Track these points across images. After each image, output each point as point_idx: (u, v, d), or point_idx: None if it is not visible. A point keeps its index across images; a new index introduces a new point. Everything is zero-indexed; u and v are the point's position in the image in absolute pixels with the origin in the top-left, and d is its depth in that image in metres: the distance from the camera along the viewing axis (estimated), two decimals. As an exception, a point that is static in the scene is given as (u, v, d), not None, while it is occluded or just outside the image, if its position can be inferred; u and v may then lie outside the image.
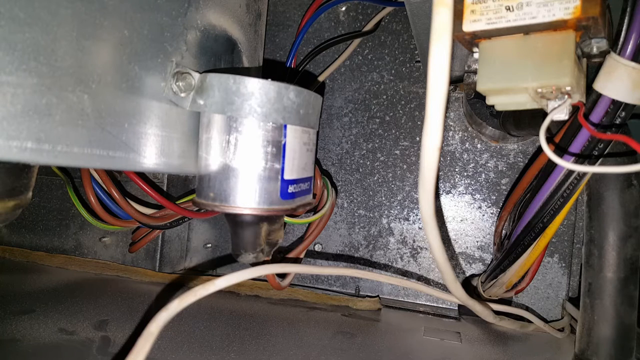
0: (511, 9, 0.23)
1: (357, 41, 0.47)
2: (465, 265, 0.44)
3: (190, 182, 0.48)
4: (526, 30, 0.24)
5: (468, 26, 0.24)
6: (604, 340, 0.27)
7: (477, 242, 0.44)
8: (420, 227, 0.45)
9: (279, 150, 0.26)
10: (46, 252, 0.49)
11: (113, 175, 0.41)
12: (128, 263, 0.46)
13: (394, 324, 0.40)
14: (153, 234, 0.43)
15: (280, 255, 0.43)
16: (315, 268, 0.33)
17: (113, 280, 0.45)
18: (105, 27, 0.22)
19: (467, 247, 0.44)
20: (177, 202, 0.37)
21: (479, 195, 0.44)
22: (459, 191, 0.44)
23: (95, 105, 0.21)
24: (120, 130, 0.23)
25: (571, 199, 0.28)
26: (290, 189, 0.27)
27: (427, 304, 0.44)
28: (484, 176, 0.44)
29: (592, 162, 0.26)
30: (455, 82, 0.42)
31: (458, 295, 0.29)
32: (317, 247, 0.48)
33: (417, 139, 0.46)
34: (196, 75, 0.25)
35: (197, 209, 0.37)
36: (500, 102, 0.26)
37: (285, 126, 0.26)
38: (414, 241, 0.45)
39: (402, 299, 0.45)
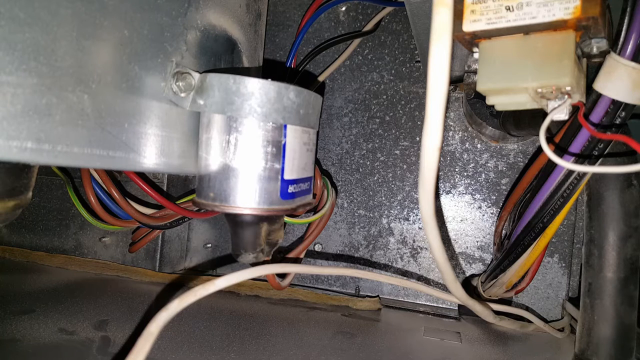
0: (511, 9, 0.23)
1: (357, 41, 0.47)
2: (465, 265, 0.44)
3: (190, 182, 0.48)
4: (526, 30, 0.24)
5: (468, 26, 0.24)
6: (604, 340, 0.27)
7: (477, 242, 0.44)
8: (420, 227, 0.45)
9: (279, 150, 0.26)
10: (46, 252, 0.49)
11: (113, 175, 0.41)
12: (128, 263, 0.46)
13: (394, 324, 0.40)
14: (153, 234, 0.43)
15: (280, 255, 0.43)
16: (315, 268, 0.33)
17: (113, 280, 0.45)
18: (105, 27, 0.22)
19: (467, 247, 0.44)
20: (177, 202, 0.37)
21: (479, 195, 0.44)
22: (459, 191, 0.44)
23: (95, 105, 0.21)
24: (120, 130, 0.23)
25: (571, 199, 0.28)
26: (290, 189, 0.27)
27: (427, 304, 0.44)
28: (484, 176, 0.44)
29: (592, 162, 0.26)
30: (455, 82, 0.42)
31: (458, 295, 0.29)
32: (317, 247, 0.48)
33: (417, 139, 0.46)
34: (196, 75, 0.25)
35: (197, 209, 0.37)
36: (500, 102, 0.26)
37: (285, 126, 0.26)
38: (414, 241, 0.45)
39: (402, 299, 0.45)
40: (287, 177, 0.26)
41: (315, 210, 0.42)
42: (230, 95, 0.24)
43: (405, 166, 0.46)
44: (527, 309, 0.41)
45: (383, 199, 0.46)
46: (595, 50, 0.24)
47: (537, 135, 0.23)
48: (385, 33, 0.47)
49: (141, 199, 0.43)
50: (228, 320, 0.37)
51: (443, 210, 0.44)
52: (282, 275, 0.40)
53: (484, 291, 0.38)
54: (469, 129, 0.44)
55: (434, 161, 0.20)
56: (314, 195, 0.39)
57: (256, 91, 0.24)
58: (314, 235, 0.42)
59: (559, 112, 0.24)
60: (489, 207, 0.44)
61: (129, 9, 0.23)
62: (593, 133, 0.25)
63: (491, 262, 0.43)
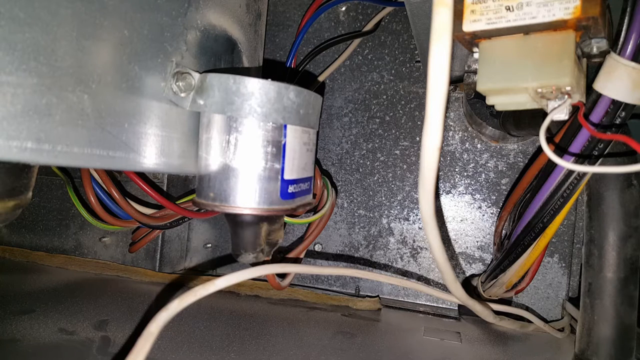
0: (511, 9, 0.23)
1: (357, 41, 0.47)
2: (465, 265, 0.44)
3: (190, 182, 0.48)
4: (526, 30, 0.24)
5: (468, 26, 0.24)
6: (604, 340, 0.27)
7: (477, 242, 0.44)
8: (420, 227, 0.45)
9: (279, 150, 0.26)
10: (46, 252, 0.49)
11: (113, 175, 0.41)
12: (128, 263, 0.46)
13: (394, 324, 0.40)
14: (153, 234, 0.43)
15: (280, 255, 0.43)
16: (315, 268, 0.33)
17: (113, 280, 0.45)
18: (105, 27, 0.22)
19: (467, 247, 0.44)
20: (177, 202, 0.37)
21: (479, 195, 0.44)
22: (459, 191, 0.44)
23: (95, 105, 0.21)
24: (120, 130, 0.23)
25: (571, 199, 0.28)
26: (290, 189, 0.27)
27: (427, 304, 0.44)
28: (484, 176, 0.44)
29: (592, 162, 0.26)
30: (455, 82, 0.42)
31: (458, 295, 0.29)
32: (317, 247, 0.48)
33: (417, 139, 0.46)
34: (196, 75, 0.25)
35: (197, 209, 0.37)
36: (500, 102, 0.26)
37: (285, 126, 0.26)
38: (414, 241, 0.45)
39: (402, 299, 0.45)
40: (287, 177, 0.26)
41: (315, 210, 0.42)
42: (230, 95, 0.24)
43: (405, 166, 0.46)
44: (527, 309, 0.41)
45: (383, 199, 0.46)
46: (595, 50, 0.24)
47: (537, 135, 0.23)
48: (385, 33, 0.47)
49: (141, 199, 0.43)
50: (228, 320, 0.37)
51: (443, 210, 0.44)
52: (282, 275, 0.40)
53: (484, 291, 0.38)
54: (469, 129, 0.44)
55: (434, 161, 0.20)
56: (314, 195, 0.39)
57: (256, 91, 0.24)
58: (314, 235, 0.42)
59: (559, 112, 0.24)
60: (489, 207, 0.44)
61: (129, 9, 0.23)
62: (593, 133, 0.25)
63: (491, 262, 0.43)
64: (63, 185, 0.46)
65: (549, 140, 0.28)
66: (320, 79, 0.47)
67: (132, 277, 0.46)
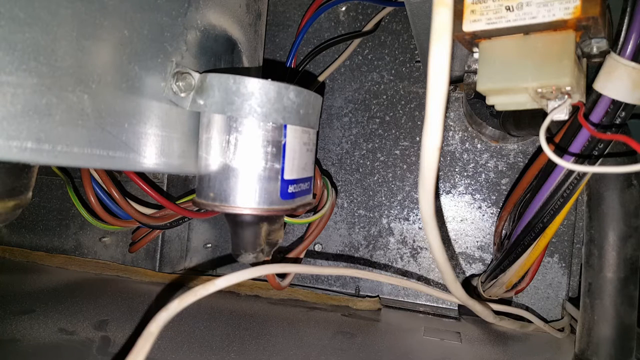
0: (511, 9, 0.23)
1: (357, 41, 0.47)
2: (465, 265, 0.44)
3: (190, 182, 0.48)
4: (526, 30, 0.24)
5: (468, 26, 0.24)
6: (604, 340, 0.27)
7: (477, 242, 0.44)
8: (420, 227, 0.45)
9: (279, 150, 0.26)
10: (46, 252, 0.49)
11: (113, 175, 0.41)
12: (128, 263, 0.46)
13: (394, 324, 0.40)
14: (153, 234, 0.43)
15: (280, 255, 0.43)
16: (315, 268, 0.33)
17: (113, 280, 0.45)
18: (105, 27, 0.22)
19: (467, 247, 0.44)
20: (177, 202, 0.37)
21: (479, 195, 0.44)
22: (459, 191, 0.44)
23: (95, 105, 0.21)
24: (120, 130, 0.23)
25: (571, 199, 0.28)
26: (290, 189, 0.27)
27: (427, 304, 0.44)
28: (484, 176, 0.44)
29: (592, 162, 0.26)
30: (455, 82, 0.42)
31: (458, 295, 0.29)
32: (317, 247, 0.48)
33: (417, 139, 0.46)
34: (196, 75, 0.25)
35: (197, 209, 0.37)
36: (500, 102, 0.26)
37: (285, 126, 0.26)
38: (414, 241, 0.45)
39: (402, 299, 0.45)
40: (287, 177, 0.26)
41: (315, 210, 0.42)
42: (230, 95, 0.24)
43: (405, 166, 0.46)
44: (527, 309, 0.41)
45: (383, 199, 0.46)
46: (595, 50, 0.24)
47: (537, 135, 0.23)
48: (385, 33, 0.47)
49: (141, 199, 0.43)
50: (228, 320, 0.37)
51: (443, 210, 0.44)
52: (282, 275, 0.40)
53: (484, 291, 0.38)
54: (469, 129, 0.44)
55: (434, 161, 0.20)
56: (314, 195, 0.39)
57: (256, 91, 0.24)
58: (314, 235, 0.42)
59: (559, 112, 0.24)
60: (489, 207, 0.44)
61: (129, 9, 0.23)
62: (593, 133, 0.25)
63: (491, 262, 0.43)
64: (63, 185, 0.46)
65: (549, 140, 0.28)
66: (320, 79, 0.47)
67: (132, 277, 0.46)
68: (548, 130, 0.24)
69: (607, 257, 0.27)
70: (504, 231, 0.40)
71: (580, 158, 0.26)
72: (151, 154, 0.25)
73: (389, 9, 0.46)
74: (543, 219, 0.29)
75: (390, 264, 0.46)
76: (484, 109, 0.40)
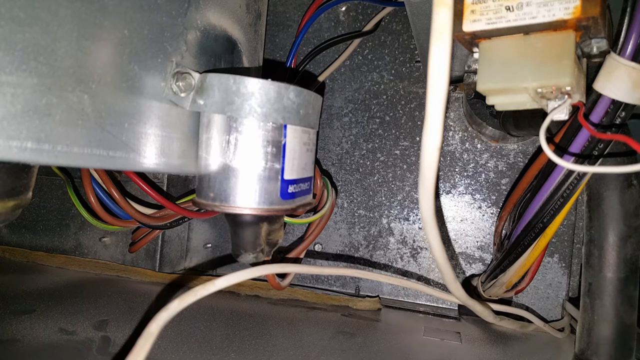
0: (511, 9, 0.23)
1: (357, 41, 0.47)
2: (465, 265, 0.44)
3: (190, 182, 0.48)
4: (526, 30, 0.24)
5: (468, 26, 0.25)
6: (604, 340, 0.27)
7: (477, 242, 0.44)
8: (420, 227, 0.45)
9: (279, 150, 0.26)
10: (46, 252, 0.49)
11: (113, 175, 0.41)
12: (128, 263, 0.46)
13: (394, 324, 0.40)
14: (153, 234, 0.43)
15: (280, 255, 0.43)
16: (315, 268, 0.33)
17: (113, 280, 0.45)
18: (105, 27, 0.22)
19: (467, 247, 0.44)
20: (177, 202, 0.37)
21: (479, 195, 0.44)
22: (459, 191, 0.44)
23: (95, 105, 0.21)
24: (120, 130, 0.23)
25: (571, 199, 0.28)
26: (290, 189, 0.27)
27: (427, 304, 0.44)
28: (484, 176, 0.44)
29: (592, 162, 0.26)
30: (455, 82, 0.42)
31: (458, 295, 0.29)
32: (317, 247, 0.48)
33: (417, 139, 0.46)
34: (196, 75, 0.25)
35: (197, 209, 0.37)
36: (500, 102, 0.26)
37: (285, 126, 0.26)
38: (414, 241, 0.45)
39: (402, 299, 0.45)
40: (287, 177, 0.26)
41: (315, 210, 0.42)
42: (230, 95, 0.24)
43: (405, 166, 0.46)
44: (527, 309, 0.41)
45: (383, 199, 0.46)
46: (595, 50, 0.24)
47: (537, 135, 0.23)
48: (385, 33, 0.47)
49: (141, 199, 0.43)
50: (228, 320, 0.37)
51: (443, 210, 0.44)
52: (282, 275, 0.40)
53: (484, 291, 0.38)
54: (469, 129, 0.44)
55: (434, 161, 0.20)
56: (314, 195, 0.39)
57: (256, 91, 0.24)
58: (314, 235, 0.42)
59: (559, 112, 0.24)
60: (489, 207, 0.44)
61: (129, 9, 0.23)
62: (593, 133, 0.25)
63: (491, 262, 0.43)
64: (63, 185, 0.46)
65: (549, 140, 0.28)
66: (320, 79, 0.47)
67: (132, 277, 0.46)
68: (548, 130, 0.24)
69: (607, 257, 0.27)
70: (504, 231, 0.40)
71: (580, 158, 0.26)
72: (151, 154, 0.25)
73: (389, 9, 0.46)
74: (543, 219, 0.29)
75: (390, 264, 0.46)
76: (484, 109, 0.40)
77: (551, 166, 0.29)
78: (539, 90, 0.24)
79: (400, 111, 0.46)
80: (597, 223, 0.27)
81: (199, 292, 0.23)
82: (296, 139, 0.26)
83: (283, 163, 0.26)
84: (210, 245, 0.51)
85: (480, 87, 0.25)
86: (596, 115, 0.25)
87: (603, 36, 0.23)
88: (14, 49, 0.18)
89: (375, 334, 0.37)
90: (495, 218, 0.43)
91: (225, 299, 0.42)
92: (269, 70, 0.47)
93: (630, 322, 0.27)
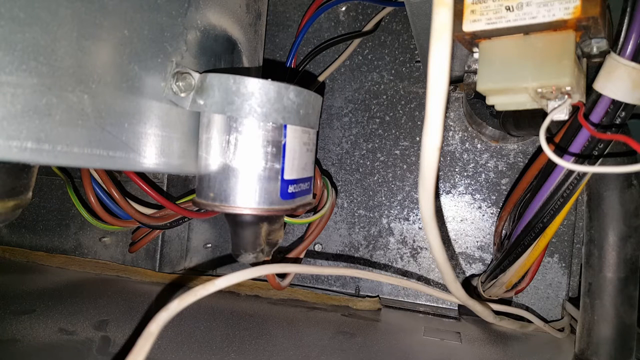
0: (511, 9, 0.23)
1: (357, 41, 0.47)
2: (465, 265, 0.44)
3: (190, 182, 0.48)
4: (526, 30, 0.24)
5: (468, 26, 0.25)
6: (604, 340, 0.27)
7: (477, 242, 0.44)
8: (420, 227, 0.45)
9: (279, 150, 0.26)
10: (46, 252, 0.49)
11: (113, 175, 0.41)
12: (128, 263, 0.46)
13: (394, 324, 0.40)
14: (153, 234, 0.43)
15: (280, 255, 0.43)
16: (315, 268, 0.33)
17: (113, 280, 0.45)
18: (105, 27, 0.22)
19: (467, 247, 0.44)
20: (177, 202, 0.37)
21: (479, 195, 0.44)
22: (459, 191, 0.44)
23: (95, 105, 0.21)
24: (120, 130, 0.23)
25: (571, 199, 0.28)
26: (290, 189, 0.27)
27: (427, 304, 0.44)
28: (484, 176, 0.44)
29: (592, 162, 0.26)
30: (455, 82, 0.42)
31: (458, 295, 0.29)
32: (317, 247, 0.48)
33: (417, 139, 0.46)
34: (196, 75, 0.25)
35: (197, 209, 0.37)
36: (500, 102, 0.26)
37: (285, 126, 0.26)
38: (414, 241, 0.45)
39: (402, 299, 0.45)
40: (287, 177, 0.26)
41: (315, 210, 0.42)
42: (230, 95, 0.24)
43: (405, 166, 0.46)
44: (527, 309, 0.41)
45: (383, 199, 0.46)
46: (595, 50, 0.24)
47: (537, 135, 0.23)
48: (385, 33, 0.47)
49: (141, 199, 0.43)
50: (228, 320, 0.37)
51: (443, 210, 0.44)
52: (282, 275, 0.40)
53: (484, 291, 0.38)
54: (469, 129, 0.44)
55: (434, 161, 0.20)
56: (314, 195, 0.39)
57: (256, 91, 0.24)
58: (314, 235, 0.42)
59: (559, 112, 0.24)
60: (489, 207, 0.44)
61: (129, 9, 0.23)
62: (593, 133, 0.25)
63: (491, 262, 0.43)
64: (63, 185, 0.46)
65: (549, 140, 0.28)
66: (320, 79, 0.47)
67: (132, 277, 0.46)
68: (548, 130, 0.24)
69: (607, 257, 0.27)
70: (504, 231, 0.40)
71: (580, 158, 0.26)
72: (151, 154, 0.25)
73: (389, 9, 0.46)
74: (543, 219, 0.29)
75: (390, 264, 0.46)
76: (484, 109, 0.40)
77: (551, 166, 0.29)
78: (539, 90, 0.24)
79: (400, 111, 0.46)
80: (597, 223, 0.27)
81: (199, 292, 0.23)
82: (296, 139, 0.26)
83: (283, 163, 0.26)
84: (210, 245, 0.51)
85: (480, 87, 0.25)
86: (596, 115, 0.25)
87: (603, 36, 0.23)
88: (14, 49, 0.18)
89: (375, 334, 0.37)
90: (495, 218, 0.43)
91: (225, 299, 0.42)
92: (269, 70, 0.47)
93: (630, 322, 0.27)
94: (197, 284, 0.25)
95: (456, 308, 0.43)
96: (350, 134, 0.48)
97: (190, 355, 0.31)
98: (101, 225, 0.41)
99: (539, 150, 0.41)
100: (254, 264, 0.27)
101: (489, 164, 0.44)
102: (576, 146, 0.26)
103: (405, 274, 0.45)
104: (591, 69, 0.26)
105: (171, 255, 0.47)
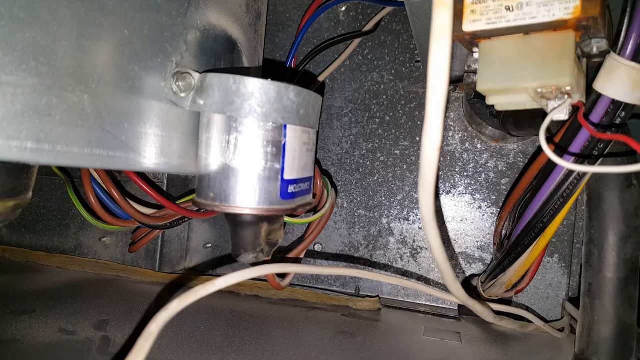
0: (511, 9, 0.23)
1: (357, 41, 0.47)
2: (465, 265, 0.44)
3: (190, 182, 0.48)
4: (526, 30, 0.24)
5: (468, 26, 0.24)
6: (604, 340, 0.27)
7: (477, 242, 0.44)
8: (420, 227, 0.45)
9: (279, 150, 0.26)
10: (46, 252, 0.49)
11: (113, 175, 0.41)
12: (128, 263, 0.46)
13: (394, 324, 0.40)
14: (153, 234, 0.43)
15: (280, 255, 0.43)
16: (315, 268, 0.33)
17: (113, 280, 0.45)
18: (105, 27, 0.22)
19: (467, 247, 0.44)
20: (177, 202, 0.37)
21: (479, 195, 0.44)
22: (459, 191, 0.44)
23: (95, 105, 0.21)
24: (120, 130, 0.23)
25: (571, 199, 0.28)
26: (290, 189, 0.27)
27: (427, 304, 0.44)
28: (484, 176, 0.44)
29: (592, 162, 0.26)
30: (455, 82, 0.42)
31: (458, 295, 0.29)
32: (317, 247, 0.48)
33: (417, 139, 0.46)
34: (196, 75, 0.25)
35: (197, 209, 0.37)
36: (500, 102, 0.26)
37: (285, 126, 0.26)
38: (414, 241, 0.45)
39: (402, 299, 0.45)
40: (287, 177, 0.26)
41: (315, 210, 0.42)
42: (230, 95, 0.24)
43: (405, 166, 0.46)
44: (527, 309, 0.41)
45: (383, 199, 0.46)
46: (595, 50, 0.24)
47: (537, 135, 0.23)
48: (385, 33, 0.47)
49: (141, 199, 0.43)
50: (228, 320, 0.37)
51: (443, 210, 0.44)
52: (282, 275, 0.40)
53: (484, 291, 0.38)
54: (469, 129, 0.44)
55: (434, 161, 0.20)
56: (314, 195, 0.39)
57: (256, 91, 0.24)
58: (314, 235, 0.42)
59: (559, 112, 0.24)
60: (489, 207, 0.44)
61: (129, 9, 0.23)
62: (593, 133, 0.25)
63: (491, 262, 0.43)
64: (63, 185, 0.46)
65: (549, 140, 0.28)
66: (320, 79, 0.47)
67: (132, 277, 0.46)
68: (548, 130, 0.24)
69: (607, 257, 0.27)
70: (504, 231, 0.40)
71: (580, 158, 0.26)
72: (151, 154, 0.25)
73: (389, 9, 0.46)
74: (543, 219, 0.29)
75: (390, 264, 0.46)
76: (484, 109, 0.40)
77: (551, 166, 0.29)
78: (539, 90, 0.24)
79: (400, 111, 0.46)
80: (597, 223, 0.27)
81: (199, 292, 0.23)
82: (296, 139, 0.26)
83: (283, 163, 0.26)
84: (210, 245, 0.51)
85: (480, 87, 0.25)
86: (596, 115, 0.25)
87: (603, 36, 0.23)
88: (14, 49, 0.18)
89: (375, 334, 0.37)
90: (495, 218, 0.43)
91: (225, 299, 0.42)
92: (269, 70, 0.47)
93: (630, 322, 0.27)
94: (197, 284, 0.25)
95: (456, 308, 0.43)
96: (350, 134, 0.48)
97: (190, 355, 0.31)
98: (101, 225, 0.41)
99: (539, 150, 0.41)
100: (254, 264, 0.27)
101: (489, 164, 0.44)
102: (576, 146, 0.26)
103: (405, 274, 0.45)
104: (591, 69, 0.26)
105: (171, 255, 0.47)
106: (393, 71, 0.47)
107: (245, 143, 0.25)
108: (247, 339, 0.34)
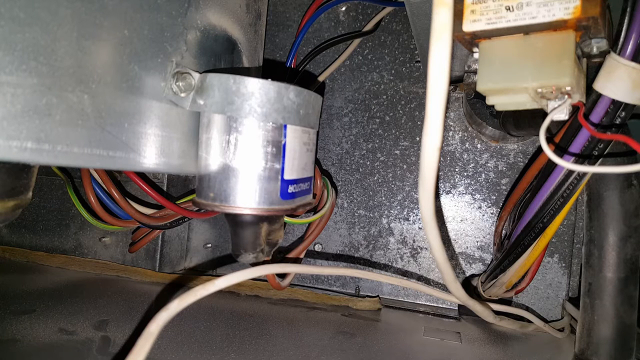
0: (511, 9, 0.23)
1: (357, 41, 0.47)
2: (465, 265, 0.44)
3: (190, 182, 0.48)
4: (526, 30, 0.24)
5: (468, 26, 0.24)
6: (604, 340, 0.27)
7: (477, 242, 0.44)
8: (420, 227, 0.45)
9: (279, 150, 0.26)
10: (46, 252, 0.49)
11: (113, 175, 0.41)
12: (128, 263, 0.46)
13: (394, 324, 0.40)
14: (153, 234, 0.43)
15: (280, 255, 0.43)
16: (315, 268, 0.33)
17: (113, 280, 0.45)
18: (105, 27, 0.22)
19: (467, 247, 0.44)
20: (177, 202, 0.37)
21: (479, 195, 0.44)
22: (459, 191, 0.44)
23: (95, 105, 0.21)
24: (120, 130, 0.23)
25: (571, 199, 0.28)
26: (290, 189, 0.27)
27: (427, 304, 0.44)
28: (484, 176, 0.44)
29: (592, 162, 0.26)
30: (455, 82, 0.42)
31: (458, 295, 0.29)
32: (317, 247, 0.48)
33: (417, 139, 0.46)
34: (196, 75, 0.25)
35: (197, 209, 0.37)
36: (500, 102, 0.26)
37: (285, 126, 0.26)
38: (414, 241, 0.45)
39: (402, 299, 0.45)
40: (287, 177, 0.26)
41: (315, 210, 0.42)
42: (230, 95, 0.24)
43: (405, 166, 0.46)
44: (527, 309, 0.41)
45: (383, 199, 0.46)
46: (595, 50, 0.24)
47: (537, 135, 0.23)
48: (385, 33, 0.47)
49: (141, 199, 0.43)
50: (228, 320, 0.37)
51: (443, 210, 0.44)
52: (282, 275, 0.40)
53: (484, 291, 0.38)
54: (469, 129, 0.44)
55: (434, 161, 0.20)
56: (314, 195, 0.39)
57: (256, 91, 0.24)
58: (314, 235, 0.42)
59: (559, 112, 0.24)
60: (489, 207, 0.44)
61: (129, 9, 0.23)
62: (593, 133, 0.25)
63: (491, 262, 0.43)
64: (63, 185, 0.46)
65: (549, 140, 0.28)
66: (320, 79, 0.47)
67: (132, 277, 0.46)
68: (548, 130, 0.24)
69: (607, 257, 0.27)
70: (504, 231, 0.40)
71: (580, 158, 0.26)
72: (151, 154, 0.25)
73: (389, 9, 0.46)
74: (543, 219, 0.29)
75: (390, 264, 0.46)
76: (484, 109, 0.40)
77: (551, 166, 0.29)
78: (539, 90, 0.24)
79: (400, 111, 0.46)
80: (597, 223, 0.27)
81: (199, 292, 0.23)
82: (296, 139, 0.26)
83: (283, 163, 0.26)
84: (210, 245, 0.51)
85: (480, 87, 0.25)
86: (596, 115, 0.25)
87: (603, 36, 0.23)
88: (14, 49, 0.18)
89: (375, 334, 0.37)
90: (495, 218, 0.43)
91: (225, 299, 0.42)
92: (269, 70, 0.47)
93: (630, 322, 0.27)
94: (197, 284, 0.25)
95: (456, 308, 0.43)
96: (350, 134, 0.48)
97: (190, 355, 0.31)
98: (101, 225, 0.41)
99: (539, 150, 0.41)
100: (254, 264, 0.27)
101: (489, 164, 0.44)
102: (576, 146, 0.26)
103: (405, 274, 0.45)
104: (591, 69, 0.26)
105: (171, 255, 0.47)
106: (393, 71, 0.47)
107: (245, 143, 0.25)
108: (247, 339, 0.34)
